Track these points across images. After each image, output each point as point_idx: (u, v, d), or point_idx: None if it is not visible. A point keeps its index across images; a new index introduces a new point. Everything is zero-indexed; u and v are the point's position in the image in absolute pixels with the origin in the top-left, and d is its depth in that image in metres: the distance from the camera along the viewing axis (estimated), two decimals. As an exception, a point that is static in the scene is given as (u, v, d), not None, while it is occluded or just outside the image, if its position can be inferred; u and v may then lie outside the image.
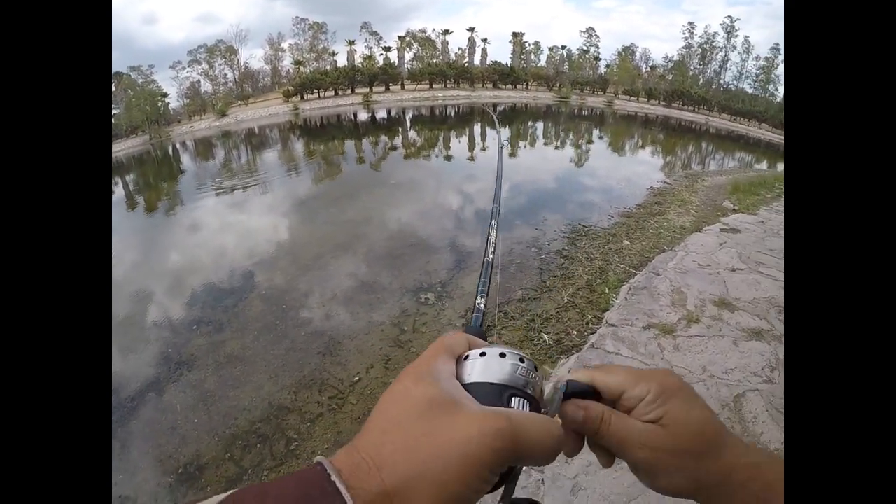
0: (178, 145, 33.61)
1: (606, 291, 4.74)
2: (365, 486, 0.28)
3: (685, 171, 14.41)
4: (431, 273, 5.70)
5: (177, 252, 8.35)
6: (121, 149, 36.72)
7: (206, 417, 3.73)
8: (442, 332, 4.34)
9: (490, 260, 0.71)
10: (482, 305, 0.61)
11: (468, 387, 0.37)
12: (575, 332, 4.08)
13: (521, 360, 0.39)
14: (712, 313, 4.06)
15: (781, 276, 4.78)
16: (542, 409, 0.40)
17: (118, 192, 19.70)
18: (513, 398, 0.37)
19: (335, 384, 3.80)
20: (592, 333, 3.97)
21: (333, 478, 0.28)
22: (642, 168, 14.33)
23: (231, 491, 0.28)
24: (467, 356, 0.40)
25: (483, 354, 0.39)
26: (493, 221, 0.85)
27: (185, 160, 26.25)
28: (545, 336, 4.05)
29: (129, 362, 4.68)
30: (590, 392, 0.43)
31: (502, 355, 0.39)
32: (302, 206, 10.14)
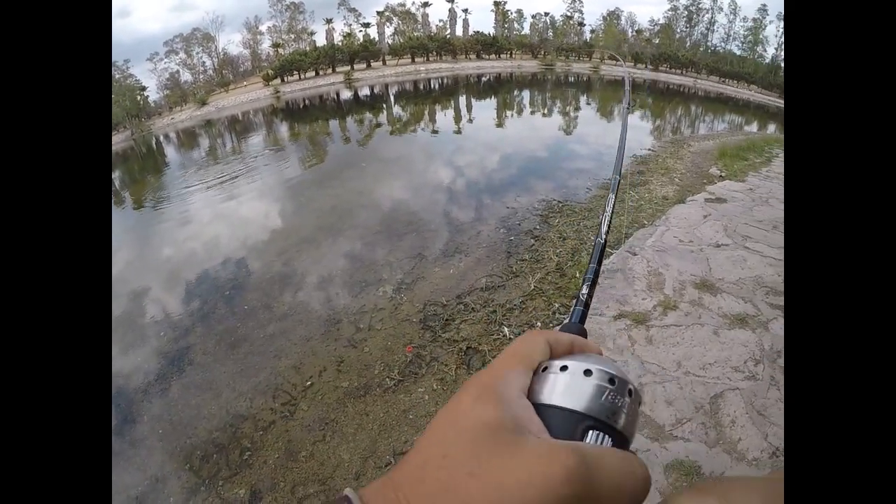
0: (161, 138, 33.08)
1: (577, 275, 4.57)
2: None
3: (672, 136, 14.11)
4: (392, 263, 5.51)
5: (152, 250, 8.19)
6: (101, 146, 36.20)
7: (168, 425, 3.68)
8: (398, 328, 4.20)
9: (603, 241, 0.60)
10: (585, 296, 0.50)
11: (540, 409, 0.31)
12: (539, 324, 3.93)
13: (611, 382, 0.32)
14: (692, 297, 3.85)
15: (769, 252, 4.61)
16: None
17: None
18: (590, 431, 0.30)
19: (288, 389, 3.68)
20: (558, 325, 3.81)
21: None
22: (628, 134, 14.01)
23: None
24: (546, 367, 0.33)
25: (564, 369, 0.33)
26: (611, 195, 0.71)
27: (170, 152, 25.88)
28: (506, 329, 3.89)
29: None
30: None
31: (587, 373, 0.32)
32: (275, 196, 9.90)
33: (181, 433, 3.57)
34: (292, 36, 49.33)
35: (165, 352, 4.64)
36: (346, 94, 35.64)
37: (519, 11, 53.68)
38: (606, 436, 0.30)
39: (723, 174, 8.10)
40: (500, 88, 31.87)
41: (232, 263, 6.41)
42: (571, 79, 37.68)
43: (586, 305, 0.49)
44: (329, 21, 48.48)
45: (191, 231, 8.77)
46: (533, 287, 4.51)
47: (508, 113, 20.80)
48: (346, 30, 48.80)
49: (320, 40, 48.80)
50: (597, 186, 7.93)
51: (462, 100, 26.70)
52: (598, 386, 0.32)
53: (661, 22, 51.34)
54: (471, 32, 50.97)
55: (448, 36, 50.51)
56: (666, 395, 2.81)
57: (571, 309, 0.48)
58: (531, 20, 53.69)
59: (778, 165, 8.76)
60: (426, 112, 21.50)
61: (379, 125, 19.07)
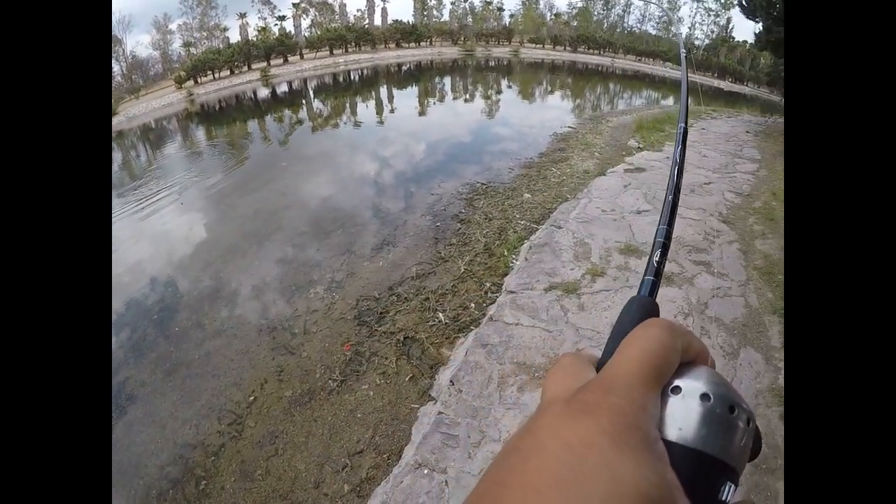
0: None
1: (505, 254, 4.73)
2: None
3: (592, 113, 14.63)
4: (321, 263, 5.45)
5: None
6: None
7: (116, 469, 3.46)
8: (334, 328, 4.18)
9: (672, 197, 0.47)
10: (657, 264, 0.40)
11: (668, 445, 0.24)
12: (473, 305, 4.06)
13: (748, 422, 0.26)
14: (618, 263, 4.05)
15: (688, 214, 4.86)
16: None
17: None
18: (727, 484, 0.24)
19: (232, 408, 3.61)
20: (492, 304, 3.93)
21: None
22: (549, 114, 14.42)
23: None
24: (676, 388, 0.26)
25: (706, 398, 0.25)
26: (678, 147, 0.57)
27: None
28: (441, 315, 4.00)
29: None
30: None
31: (732, 409, 0.25)
32: (194, 207, 9.43)
33: (132, 475, 3.40)
34: (204, 34, 46.41)
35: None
36: (264, 92, 34.20)
37: (438, -1, 53.42)
38: (734, 487, 0.25)
39: (640, 145, 8.53)
40: (420, 76, 31.75)
41: (157, 284, 6.10)
42: (492, 63, 38.10)
43: (658, 275, 0.39)
44: (243, 16, 45.91)
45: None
46: (463, 270, 4.63)
47: (430, 100, 20.80)
48: (261, 24, 46.70)
49: (234, 36, 46.38)
50: (520, 166, 8.14)
51: (383, 90, 26.40)
52: (740, 428, 0.26)
53: (578, 5, 53.05)
54: (390, 21, 50.28)
55: (367, 26, 49.50)
56: (604, 356, 3.01)
57: (641, 279, 0.39)
58: (450, 7, 53.63)
59: (690, 134, 9.32)
60: (347, 105, 21.12)
61: (299, 122, 18.49)
